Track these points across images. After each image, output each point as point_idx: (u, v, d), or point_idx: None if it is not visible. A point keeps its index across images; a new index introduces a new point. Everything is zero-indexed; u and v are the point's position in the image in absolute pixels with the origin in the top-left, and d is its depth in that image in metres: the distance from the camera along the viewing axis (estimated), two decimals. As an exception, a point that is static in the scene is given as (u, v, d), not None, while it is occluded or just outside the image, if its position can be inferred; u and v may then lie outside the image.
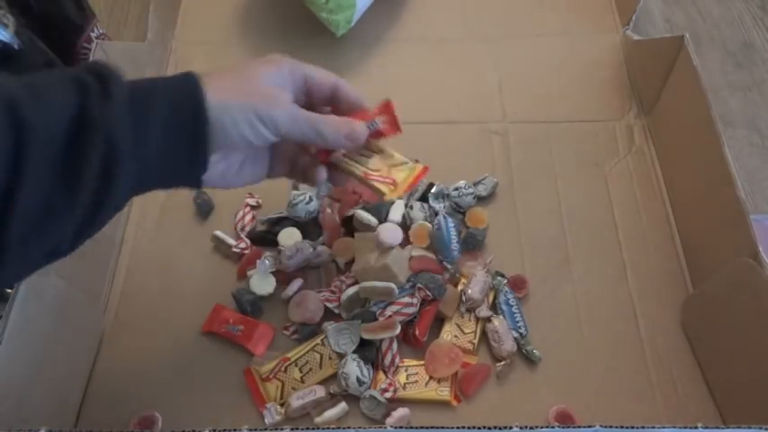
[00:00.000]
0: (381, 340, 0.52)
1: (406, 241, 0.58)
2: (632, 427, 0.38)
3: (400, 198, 0.47)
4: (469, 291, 0.54)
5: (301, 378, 0.52)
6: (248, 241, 0.59)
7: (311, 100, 0.45)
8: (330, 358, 0.53)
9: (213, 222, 0.62)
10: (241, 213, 0.61)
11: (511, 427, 0.38)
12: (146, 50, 0.67)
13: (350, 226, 0.59)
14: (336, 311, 0.55)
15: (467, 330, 0.54)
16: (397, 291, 0.52)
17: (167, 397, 0.53)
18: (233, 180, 0.43)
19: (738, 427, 0.39)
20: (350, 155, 0.45)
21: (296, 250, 0.56)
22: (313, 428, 0.50)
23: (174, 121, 0.36)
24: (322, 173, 0.46)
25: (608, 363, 0.54)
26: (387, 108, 0.46)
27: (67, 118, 0.33)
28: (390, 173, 0.44)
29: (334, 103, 0.46)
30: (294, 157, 0.47)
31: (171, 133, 0.36)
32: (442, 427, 0.39)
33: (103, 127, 0.33)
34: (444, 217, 0.58)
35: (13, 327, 0.43)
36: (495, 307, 0.56)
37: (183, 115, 0.37)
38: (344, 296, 0.54)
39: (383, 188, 0.44)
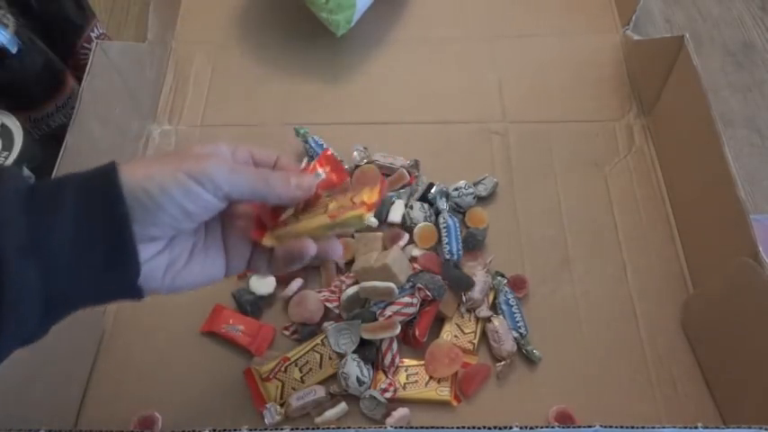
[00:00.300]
0: (381, 340, 0.52)
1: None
2: (632, 427, 0.38)
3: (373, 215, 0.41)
4: (470, 291, 0.54)
5: (301, 378, 0.52)
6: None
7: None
8: (330, 358, 0.53)
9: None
10: (241, 213, 0.61)
11: (511, 427, 0.38)
12: (146, 50, 0.67)
13: (350, 226, 0.59)
14: (336, 311, 0.55)
15: (467, 330, 0.54)
16: (397, 291, 0.52)
17: (167, 397, 0.53)
18: (183, 279, 0.36)
19: (738, 427, 0.39)
20: (303, 217, 0.40)
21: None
22: (313, 428, 0.50)
23: (84, 211, 0.30)
24: (309, 247, 0.38)
25: (608, 363, 0.54)
26: (326, 159, 0.42)
27: None
28: (353, 201, 0.40)
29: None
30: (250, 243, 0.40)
31: (82, 227, 0.30)
32: (442, 427, 0.39)
33: None
34: (450, 216, 0.58)
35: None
36: (495, 307, 0.56)
37: (94, 201, 0.31)
38: (344, 296, 0.54)
39: (358, 212, 0.39)
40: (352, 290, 0.54)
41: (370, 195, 0.40)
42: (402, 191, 0.61)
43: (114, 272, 0.32)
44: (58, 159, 0.51)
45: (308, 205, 0.41)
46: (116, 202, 0.31)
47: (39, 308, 0.30)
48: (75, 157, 0.52)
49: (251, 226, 0.39)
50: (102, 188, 0.31)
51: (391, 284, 0.52)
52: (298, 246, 0.38)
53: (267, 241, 0.39)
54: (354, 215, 0.39)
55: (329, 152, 0.43)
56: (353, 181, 0.62)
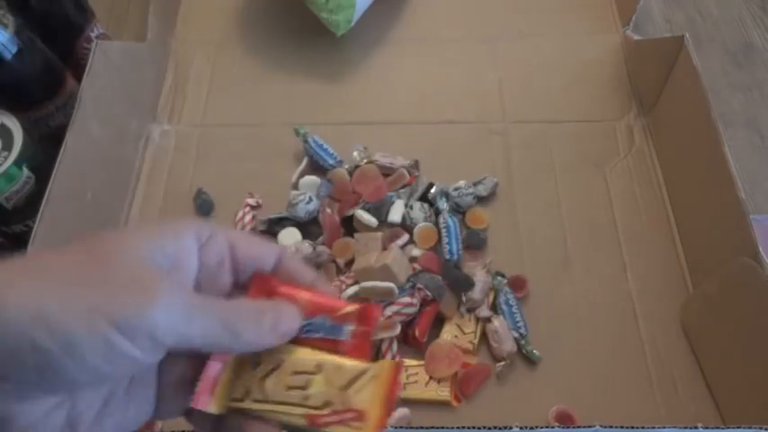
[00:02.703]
0: (381, 340, 0.52)
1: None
2: (632, 427, 0.38)
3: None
4: (470, 291, 0.54)
5: (301, 378, 0.51)
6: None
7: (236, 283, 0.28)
8: (330, 358, 0.52)
9: (213, 222, 0.62)
10: (241, 213, 0.61)
11: (511, 428, 0.38)
12: (146, 50, 0.67)
13: (350, 226, 0.59)
14: (336, 311, 0.55)
15: (467, 330, 0.54)
16: (397, 291, 0.52)
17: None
18: None
19: (738, 427, 0.39)
20: (273, 390, 0.27)
21: (296, 250, 0.56)
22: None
23: None
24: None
25: (608, 363, 0.54)
26: (367, 315, 0.28)
27: None
28: (348, 401, 0.26)
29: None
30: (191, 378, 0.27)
31: None
32: (442, 427, 0.39)
33: None
34: (451, 216, 0.58)
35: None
36: (495, 307, 0.56)
37: None
38: (344, 296, 0.54)
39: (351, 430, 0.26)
40: (352, 290, 0.54)
41: (374, 395, 0.26)
42: (402, 191, 0.61)
43: None
44: (58, 159, 0.51)
45: (275, 357, 0.27)
46: None
47: None
48: (74, 158, 0.52)
49: (190, 377, 0.27)
50: None
51: (391, 284, 0.52)
52: None
53: (214, 409, 0.27)
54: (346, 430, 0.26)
55: (377, 312, 0.29)
56: (353, 181, 0.62)
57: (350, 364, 0.28)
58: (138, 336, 0.21)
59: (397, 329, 0.51)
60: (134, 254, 0.23)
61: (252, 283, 0.28)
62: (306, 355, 0.28)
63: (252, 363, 0.28)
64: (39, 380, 0.21)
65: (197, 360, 0.26)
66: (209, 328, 0.23)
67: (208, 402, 0.26)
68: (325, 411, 0.26)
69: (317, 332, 0.28)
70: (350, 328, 0.28)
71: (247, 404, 0.27)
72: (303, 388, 0.27)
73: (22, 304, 0.20)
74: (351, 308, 0.29)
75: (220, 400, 0.27)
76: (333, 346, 0.28)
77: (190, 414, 0.27)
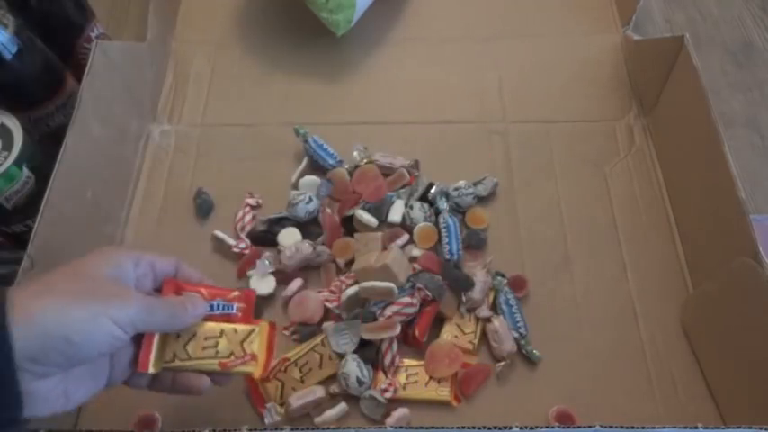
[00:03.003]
0: (381, 340, 0.52)
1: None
2: (632, 427, 0.38)
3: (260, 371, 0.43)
4: (470, 291, 0.54)
5: (301, 378, 0.52)
6: (248, 241, 0.59)
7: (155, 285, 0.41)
8: (330, 358, 0.53)
9: (213, 222, 0.62)
10: (241, 213, 0.61)
11: (511, 428, 0.38)
12: (146, 50, 0.67)
13: (350, 226, 0.59)
14: (336, 311, 0.55)
15: (467, 330, 0.54)
16: (397, 291, 0.52)
17: (167, 397, 0.52)
18: (66, 405, 0.34)
19: (738, 427, 0.39)
20: (193, 351, 0.40)
21: (296, 250, 0.56)
22: (313, 428, 0.50)
23: None
24: (205, 384, 0.41)
25: (608, 363, 0.54)
26: (247, 297, 0.43)
27: None
28: (244, 349, 0.42)
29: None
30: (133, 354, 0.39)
31: None
32: (442, 427, 0.39)
33: None
34: (451, 216, 0.58)
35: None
36: (495, 307, 0.56)
37: None
38: (344, 296, 0.54)
39: (249, 368, 0.42)
40: (352, 290, 0.54)
41: (260, 343, 0.42)
42: (402, 191, 0.61)
43: None
44: (58, 159, 0.51)
45: (191, 330, 0.41)
46: (5, 367, 0.29)
47: None
48: (74, 157, 0.52)
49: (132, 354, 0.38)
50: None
51: (391, 284, 0.52)
52: (195, 382, 0.40)
53: (153, 370, 0.39)
54: (244, 371, 0.42)
55: (253, 295, 0.44)
56: (353, 181, 0.62)
57: (241, 327, 0.42)
58: (125, 325, 0.33)
59: (397, 329, 0.51)
60: (103, 273, 0.35)
61: (164, 285, 0.40)
62: (212, 326, 0.42)
63: (174, 336, 0.40)
64: (63, 361, 0.31)
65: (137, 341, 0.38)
66: (161, 316, 0.37)
67: (148, 365, 0.38)
68: (231, 358, 0.41)
69: (217, 310, 0.42)
70: (237, 305, 0.43)
71: (176, 363, 0.40)
72: (214, 347, 0.41)
73: (53, 314, 0.30)
74: (236, 292, 0.43)
75: (156, 363, 0.39)
76: (228, 319, 0.42)
77: (130, 378, 0.39)
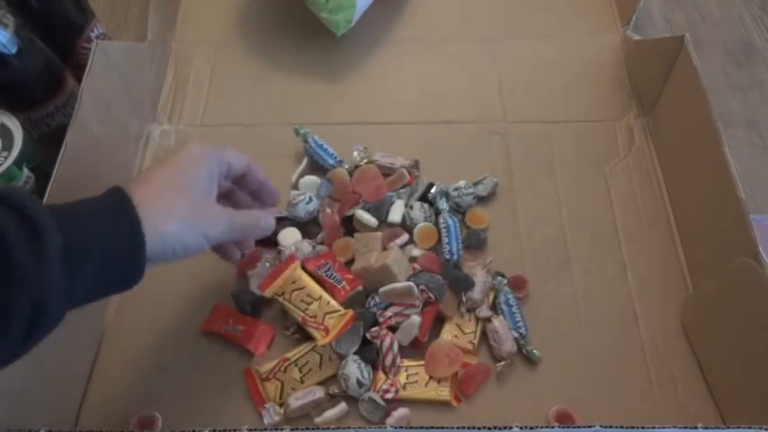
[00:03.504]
0: (382, 341, 0.52)
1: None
2: (632, 427, 0.38)
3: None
4: (470, 291, 0.54)
5: (301, 378, 0.52)
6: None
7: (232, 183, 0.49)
8: (330, 359, 0.53)
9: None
10: (241, 213, 0.61)
11: (511, 428, 0.38)
12: (146, 50, 0.67)
13: (350, 226, 0.59)
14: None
15: (467, 330, 0.54)
16: (416, 291, 0.52)
17: (167, 397, 0.53)
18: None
19: (738, 427, 0.39)
20: (294, 298, 0.53)
21: (296, 250, 0.56)
22: (313, 428, 0.50)
23: (111, 265, 0.36)
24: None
25: (608, 363, 0.54)
26: (353, 283, 0.55)
27: None
28: (324, 320, 0.52)
29: (243, 184, 0.50)
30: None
31: (106, 275, 0.36)
32: (442, 427, 0.39)
33: (32, 292, 0.32)
34: (451, 216, 0.58)
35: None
36: (495, 307, 0.56)
37: (120, 261, 0.37)
38: (347, 295, 0.54)
39: (317, 334, 0.51)
40: (352, 290, 0.54)
41: (336, 324, 0.51)
42: (402, 191, 0.61)
43: (118, 291, 0.39)
44: (59, 159, 0.51)
45: (305, 282, 0.54)
46: (139, 269, 0.38)
47: (59, 321, 0.36)
48: (75, 157, 0.52)
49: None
50: (130, 259, 0.37)
51: (410, 284, 0.52)
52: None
53: (267, 294, 0.53)
54: (313, 333, 0.52)
55: (357, 283, 0.54)
56: (353, 181, 0.62)
57: (334, 303, 0.53)
58: (212, 240, 0.43)
59: (417, 300, 0.52)
60: (198, 181, 0.43)
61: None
62: (317, 289, 0.53)
63: (290, 280, 0.53)
64: (171, 257, 0.40)
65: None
66: (237, 233, 0.46)
67: (266, 290, 0.53)
68: (311, 319, 0.52)
69: (331, 276, 0.54)
70: (344, 284, 0.54)
71: (281, 299, 0.53)
72: (308, 304, 0.53)
73: (173, 235, 0.39)
74: (350, 275, 0.55)
75: (271, 291, 0.53)
76: (332, 288, 0.54)
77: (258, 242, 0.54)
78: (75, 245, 0.34)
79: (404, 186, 0.61)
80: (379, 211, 0.59)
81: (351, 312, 0.52)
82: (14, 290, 0.31)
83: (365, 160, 0.63)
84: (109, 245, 0.35)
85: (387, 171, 0.62)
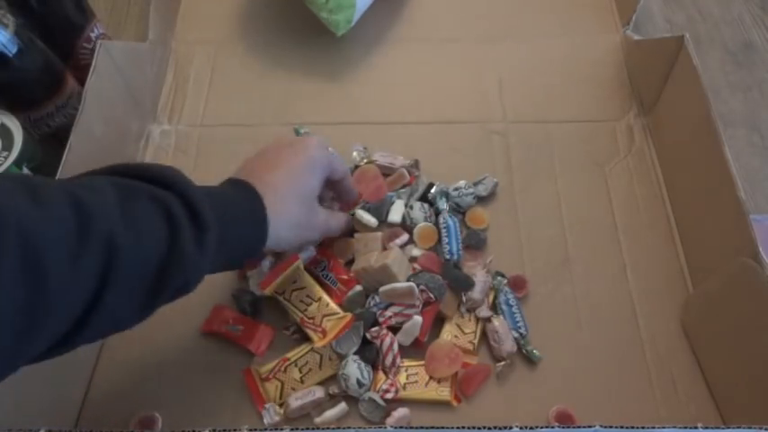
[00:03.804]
0: (382, 342, 0.52)
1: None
2: (632, 427, 0.38)
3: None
4: (470, 291, 0.54)
5: (301, 378, 0.52)
6: None
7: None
8: (330, 359, 0.53)
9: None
10: (241, 213, 0.61)
11: (511, 427, 0.38)
12: (146, 50, 0.67)
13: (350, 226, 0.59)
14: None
15: (467, 330, 0.54)
16: (417, 291, 0.52)
17: (167, 397, 0.53)
18: None
19: (738, 427, 0.39)
20: (293, 298, 0.53)
21: (296, 250, 0.56)
22: (313, 428, 0.50)
23: (236, 256, 0.44)
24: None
25: (608, 363, 0.54)
26: (348, 284, 0.56)
27: (157, 255, 0.36)
28: (322, 322, 0.52)
29: (335, 187, 0.54)
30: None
31: (227, 263, 0.44)
32: (442, 427, 0.39)
33: (189, 271, 0.38)
34: (451, 216, 0.58)
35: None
36: (495, 307, 0.56)
37: (244, 251, 0.44)
38: (345, 296, 0.54)
39: (314, 336, 0.52)
40: (352, 290, 0.54)
41: (334, 327, 0.51)
42: (402, 191, 0.61)
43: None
44: (63, 159, 0.51)
45: (305, 282, 0.54)
46: (250, 257, 0.47)
47: None
48: (78, 157, 0.52)
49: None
50: (250, 252, 0.45)
51: (411, 284, 0.52)
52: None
53: (267, 292, 0.53)
54: (310, 335, 0.52)
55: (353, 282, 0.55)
56: (353, 181, 0.62)
57: (333, 305, 0.53)
58: (310, 243, 0.54)
59: (417, 300, 0.52)
60: (312, 190, 0.49)
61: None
62: (317, 290, 0.54)
63: (291, 279, 0.54)
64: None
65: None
66: (326, 235, 0.53)
67: (266, 288, 0.52)
68: (309, 321, 0.52)
69: (326, 278, 0.55)
70: (339, 285, 0.55)
71: (281, 297, 0.54)
72: (307, 305, 0.53)
73: (284, 233, 0.46)
74: (346, 276, 0.56)
75: (271, 289, 0.53)
76: (330, 290, 0.55)
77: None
78: (223, 238, 0.40)
79: (404, 186, 0.61)
80: (379, 211, 0.59)
81: (349, 315, 0.52)
82: (178, 269, 0.37)
83: (365, 160, 0.63)
84: (243, 242, 0.43)
85: (387, 171, 0.62)
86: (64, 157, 0.51)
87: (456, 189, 0.61)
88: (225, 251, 0.41)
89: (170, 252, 0.36)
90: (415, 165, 0.63)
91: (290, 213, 0.46)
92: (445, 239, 0.57)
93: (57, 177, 0.50)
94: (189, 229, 0.37)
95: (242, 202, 0.44)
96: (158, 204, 0.37)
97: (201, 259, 0.38)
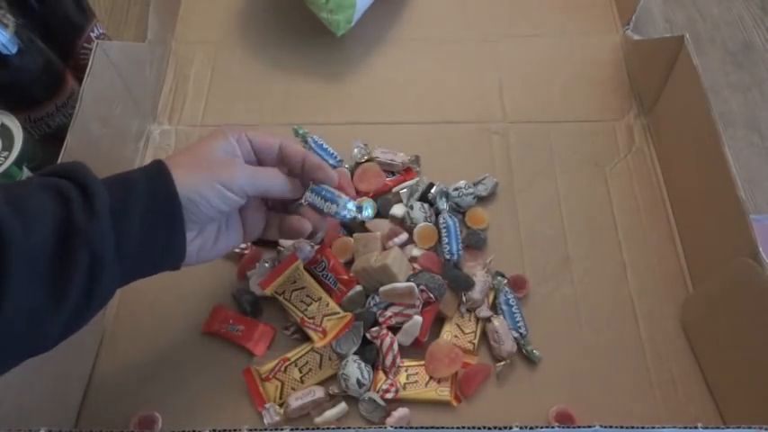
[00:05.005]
0: (382, 342, 0.52)
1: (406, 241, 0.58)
2: (632, 427, 0.38)
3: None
4: (470, 291, 0.54)
5: (301, 378, 0.52)
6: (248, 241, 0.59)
7: (261, 160, 0.48)
8: (330, 359, 0.53)
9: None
10: (241, 213, 0.61)
11: (511, 427, 0.38)
12: (146, 50, 0.67)
13: (350, 226, 0.59)
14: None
15: (467, 330, 0.54)
16: (417, 291, 0.52)
17: (167, 397, 0.53)
18: (209, 253, 0.45)
19: (738, 427, 0.39)
20: (294, 298, 0.53)
21: (295, 250, 0.56)
22: (313, 428, 0.50)
23: (152, 221, 0.39)
24: (303, 223, 0.48)
25: (608, 363, 0.54)
26: (348, 284, 0.55)
27: (50, 232, 0.35)
28: (322, 322, 0.52)
29: (283, 163, 0.48)
30: (264, 216, 0.50)
31: (150, 232, 0.39)
32: (442, 427, 0.39)
33: (89, 243, 0.36)
34: (450, 216, 0.58)
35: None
36: (495, 307, 0.56)
37: (159, 216, 0.40)
38: (345, 297, 0.54)
39: (314, 336, 0.52)
40: (352, 290, 0.54)
41: (334, 327, 0.51)
42: (403, 191, 0.61)
43: (169, 261, 0.42)
44: (60, 159, 0.51)
45: (306, 282, 0.54)
46: (179, 220, 0.40)
47: (114, 290, 0.39)
48: (75, 157, 0.52)
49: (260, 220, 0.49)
50: (168, 211, 0.40)
51: (411, 284, 0.52)
52: (297, 225, 0.48)
53: (268, 292, 0.53)
54: (311, 335, 0.52)
55: (353, 283, 0.55)
56: (354, 179, 0.62)
57: (333, 305, 0.53)
58: (234, 188, 0.42)
59: (417, 300, 0.52)
60: (213, 151, 0.44)
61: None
62: (317, 290, 0.54)
63: (291, 279, 0.54)
64: (192, 218, 0.41)
65: (261, 212, 0.49)
66: (263, 180, 0.45)
67: (267, 287, 0.53)
68: (309, 320, 0.52)
69: (326, 278, 0.55)
70: (340, 285, 0.54)
71: (280, 297, 0.54)
72: (307, 305, 0.53)
73: (185, 181, 0.40)
74: (346, 276, 0.55)
75: (272, 289, 0.53)
76: (330, 290, 0.54)
77: (257, 243, 0.57)
78: (119, 205, 0.38)
79: (405, 181, 0.62)
80: (382, 208, 0.59)
81: (349, 315, 0.52)
82: (76, 244, 0.35)
83: (365, 157, 0.63)
84: (153, 198, 0.39)
85: (387, 168, 0.62)
86: (60, 157, 0.51)
87: (456, 189, 0.61)
88: (136, 218, 0.38)
89: (63, 224, 0.35)
90: (416, 160, 0.63)
91: (193, 166, 0.42)
92: (445, 239, 0.57)
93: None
94: (78, 198, 0.36)
95: (140, 169, 0.42)
96: (48, 188, 0.37)
97: (99, 224, 0.36)
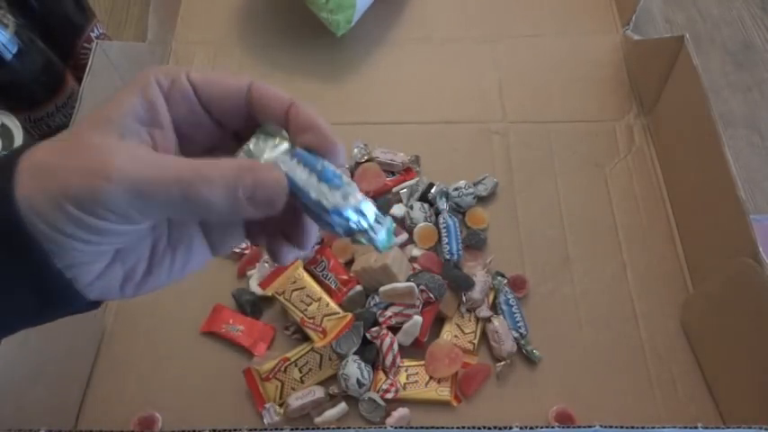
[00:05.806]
0: (382, 342, 0.52)
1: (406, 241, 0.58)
2: (632, 427, 0.38)
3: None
4: (470, 291, 0.54)
5: (301, 378, 0.52)
6: (248, 241, 0.59)
7: (219, 122, 0.28)
8: (330, 359, 0.53)
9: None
10: (241, 213, 0.61)
11: (511, 428, 0.38)
12: (146, 50, 0.67)
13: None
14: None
15: (467, 330, 0.54)
16: (417, 291, 0.52)
17: (167, 397, 0.53)
18: (152, 283, 0.28)
19: (738, 427, 0.39)
20: (294, 298, 0.53)
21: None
22: (313, 428, 0.50)
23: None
24: (309, 235, 0.30)
25: (608, 363, 0.54)
26: (349, 284, 0.55)
27: None
28: (322, 322, 0.52)
29: (256, 120, 0.28)
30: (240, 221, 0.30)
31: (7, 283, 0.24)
32: (442, 427, 0.39)
33: None
34: (450, 216, 0.58)
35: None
36: (495, 307, 0.56)
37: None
38: (345, 296, 0.54)
39: (314, 336, 0.52)
40: (352, 290, 0.54)
41: (334, 327, 0.51)
42: (403, 191, 0.61)
43: (51, 308, 0.26)
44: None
45: (305, 282, 0.54)
46: (26, 242, 0.23)
47: None
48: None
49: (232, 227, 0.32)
50: (7, 237, 0.23)
51: (411, 284, 0.52)
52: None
53: (268, 292, 0.54)
54: (311, 335, 0.52)
55: (353, 283, 0.55)
56: (355, 179, 0.62)
57: (333, 305, 0.53)
58: (98, 211, 0.22)
59: (417, 300, 0.52)
60: (112, 121, 0.24)
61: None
62: (317, 291, 0.54)
63: (291, 279, 0.54)
64: (63, 251, 0.23)
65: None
66: (164, 195, 0.23)
67: (267, 287, 0.53)
68: (309, 321, 0.52)
69: (326, 278, 0.55)
70: (338, 284, 0.55)
71: (281, 297, 0.53)
72: (307, 305, 0.53)
73: (28, 198, 0.22)
74: (346, 276, 0.55)
75: (272, 289, 0.53)
76: (329, 290, 0.54)
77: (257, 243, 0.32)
78: None
79: (405, 181, 0.62)
80: (382, 209, 0.59)
81: (350, 315, 0.52)
82: None
83: (365, 157, 0.63)
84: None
85: (387, 168, 0.62)
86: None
87: (456, 189, 0.61)
88: None
89: None
90: (416, 160, 0.63)
91: (60, 165, 0.23)
92: (445, 239, 0.57)
93: None
94: None
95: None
96: None
97: None
